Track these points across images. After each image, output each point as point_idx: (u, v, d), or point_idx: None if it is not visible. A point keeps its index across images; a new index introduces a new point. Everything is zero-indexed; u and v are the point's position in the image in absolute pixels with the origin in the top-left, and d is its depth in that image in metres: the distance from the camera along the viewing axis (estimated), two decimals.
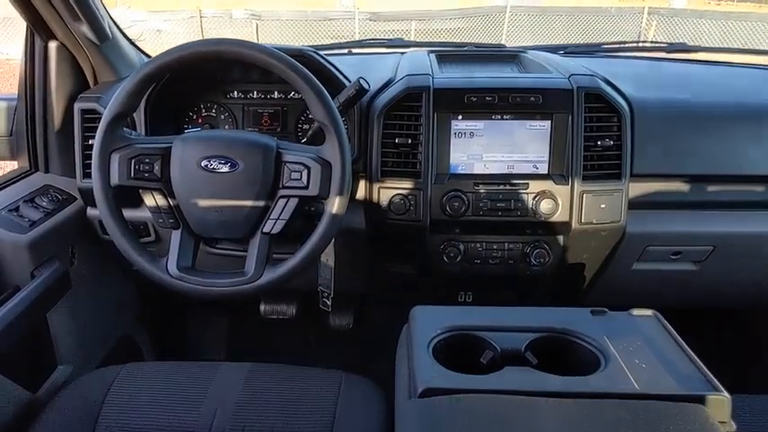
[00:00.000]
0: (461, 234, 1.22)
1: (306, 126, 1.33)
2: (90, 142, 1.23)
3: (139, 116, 1.23)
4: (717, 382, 0.75)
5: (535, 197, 1.16)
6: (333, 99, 1.02)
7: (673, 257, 1.26)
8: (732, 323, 1.63)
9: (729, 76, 1.53)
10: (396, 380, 0.87)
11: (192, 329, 1.86)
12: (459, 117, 1.17)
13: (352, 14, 9.84)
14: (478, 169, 1.18)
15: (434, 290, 1.36)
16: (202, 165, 1.00)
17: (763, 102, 1.26)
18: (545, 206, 1.15)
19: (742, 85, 1.44)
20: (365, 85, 1.11)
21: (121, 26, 1.38)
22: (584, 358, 0.84)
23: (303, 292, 1.40)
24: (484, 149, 1.18)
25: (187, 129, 1.35)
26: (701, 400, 0.72)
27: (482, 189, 1.17)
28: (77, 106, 1.25)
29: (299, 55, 1.15)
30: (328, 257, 1.23)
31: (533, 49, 1.50)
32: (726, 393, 0.73)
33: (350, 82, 1.16)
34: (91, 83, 1.35)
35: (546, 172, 1.17)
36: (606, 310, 0.93)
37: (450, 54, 1.46)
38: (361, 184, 1.22)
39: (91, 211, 1.31)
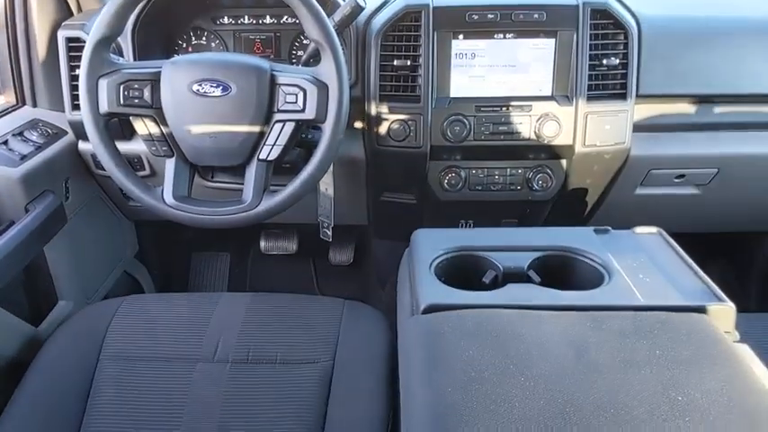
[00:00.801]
0: (462, 160, 1.19)
1: (300, 53, 1.28)
2: (77, 72, 1.18)
3: (126, 45, 1.18)
4: (721, 293, 0.75)
5: (538, 120, 1.13)
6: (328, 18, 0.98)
7: (676, 181, 1.24)
8: (735, 247, 1.63)
9: None
10: (398, 301, 0.87)
11: (193, 267, 1.87)
12: (460, 37, 1.13)
13: None
14: (480, 92, 1.14)
15: (435, 220, 1.35)
16: (194, 89, 0.96)
17: None
18: (548, 129, 1.12)
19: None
20: (361, 3, 1.06)
21: None
22: (587, 275, 0.83)
23: (303, 226, 1.39)
24: (486, 71, 1.14)
25: None
26: (705, 310, 0.72)
27: (484, 112, 1.14)
28: (61, 34, 1.20)
29: None
30: (327, 187, 1.22)
31: None
32: (730, 303, 0.73)
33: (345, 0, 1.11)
34: (75, 10, 1.29)
35: (549, 93, 1.14)
36: (609, 228, 0.92)
37: None
38: (359, 111, 1.18)
39: (83, 145, 1.28)
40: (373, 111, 1.15)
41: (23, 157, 1.15)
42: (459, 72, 1.14)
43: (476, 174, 1.20)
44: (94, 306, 1.10)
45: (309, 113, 0.96)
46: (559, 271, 0.85)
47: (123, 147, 1.24)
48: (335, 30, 1.02)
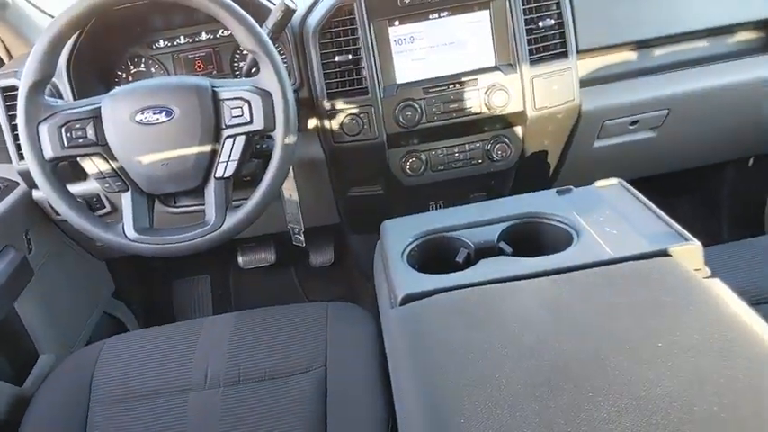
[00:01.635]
0: (420, 143, 1.20)
1: (242, 63, 1.26)
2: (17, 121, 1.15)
3: (64, 84, 1.15)
4: (686, 233, 0.76)
5: (486, 92, 1.13)
6: (261, 26, 0.97)
7: (631, 128, 1.26)
8: (699, 182, 1.67)
9: None
10: (377, 295, 0.87)
11: (175, 295, 1.84)
12: (396, 23, 1.12)
13: None
14: (425, 74, 1.14)
15: (404, 206, 1.35)
16: (137, 119, 0.95)
17: None
18: (497, 99, 1.13)
19: None
20: (291, 5, 1.05)
21: None
22: (556, 237, 0.84)
23: (277, 235, 1.38)
24: (427, 53, 1.14)
25: None
26: (672, 252, 0.74)
27: (432, 94, 1.14)
28: None
29: None
30: (291, 192, 1.21)
31: None
32: (696, 242, 0.75)
33: (275, 5, 1.10)
34: (5, 58, 1.26)
35: (493, 64, 1.14)
36: (572, 187, 0.93)
37: None
38: (310, 111, 1.17)
39: (36, 194, 1.25)
40: (323, 109, 1.14)
41: None
42: (401, 58, 1.14)
43: (435, 155, 1.21)
44: (76, 354, 1.08)
45: (258, 124, 0.95)
46: (529, 238, 0.86)
47: (79, 188, 1.22)
48: (270, 36, 1.01)
